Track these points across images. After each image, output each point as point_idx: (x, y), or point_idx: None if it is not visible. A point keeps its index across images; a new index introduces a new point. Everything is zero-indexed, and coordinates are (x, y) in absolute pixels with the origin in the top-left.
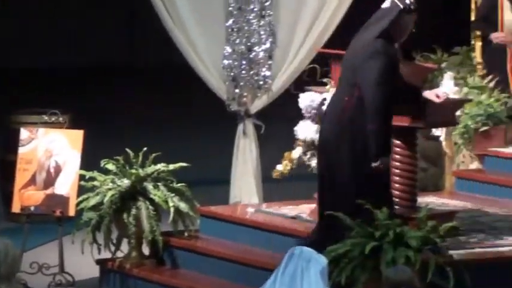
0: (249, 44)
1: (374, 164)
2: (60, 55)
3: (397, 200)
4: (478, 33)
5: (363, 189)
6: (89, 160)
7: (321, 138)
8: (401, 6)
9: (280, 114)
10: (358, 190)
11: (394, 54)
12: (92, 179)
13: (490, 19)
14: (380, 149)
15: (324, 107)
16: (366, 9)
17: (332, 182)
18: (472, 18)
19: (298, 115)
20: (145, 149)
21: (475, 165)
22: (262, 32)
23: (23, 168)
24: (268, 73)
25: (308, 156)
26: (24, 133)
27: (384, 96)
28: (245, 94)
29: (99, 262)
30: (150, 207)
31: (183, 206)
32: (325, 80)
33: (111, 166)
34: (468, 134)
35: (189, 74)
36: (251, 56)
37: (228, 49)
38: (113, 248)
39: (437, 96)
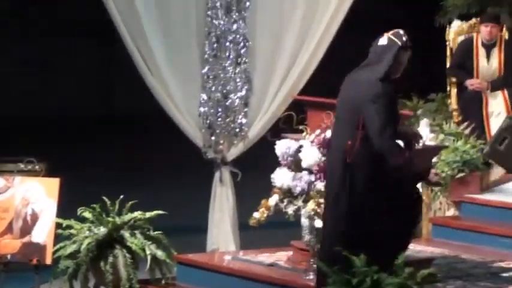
0: (224, 91)
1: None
2: (37, 103)
3: None
4: (454, 79)
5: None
6: (66, 208)
7: (326, 185)
8: (400, 43)
9: (257, 162)
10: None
11: (392, 92)
12: (69, 227)
13: (465, 66)
14: (418, 177)
15: (303, 155)
16: (340, 57)
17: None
18: (448, 65)
19: (274, 162)
20: (122, 196)
21: (451, 212)
22: (238, 80)
23: (0, 217)
24: (244, 120)
25: (285, 203)
26: (0, 181)
27: (392, 136)
28: (221, 141)
29: None
30: (127, 255)
31: (160, 253)
32: (301, 127)
33: (87, 214)
34: (444, 180)
35: (165, 122)
36: (227, 103)
37: (204, 96)
38: None
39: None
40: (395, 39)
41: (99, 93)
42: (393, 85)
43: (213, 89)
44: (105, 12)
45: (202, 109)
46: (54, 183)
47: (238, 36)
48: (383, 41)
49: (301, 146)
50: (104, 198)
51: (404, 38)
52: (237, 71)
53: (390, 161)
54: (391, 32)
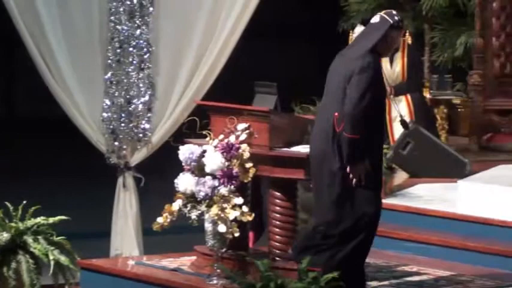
0: (128, 96)
1: (348, 171)
2: None
3: (277, 251)
4: None
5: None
6: None
7: (310, 155)
8: (391, 21)
9: (160, 167)
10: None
11: (378, 65)
12: None
13: None
14: (350, 158)
15: (207, 160)
16: (245, 62)
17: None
18: None
19: (178, 167)
20: (24, 202)
21: None
22: (141, 85)
23: None
24: (147, 125)
25: (188, 208)
26: None
27: (364, 110)
28: (125, 147)
29: None
30: (30, 260)
31: (63, 259)
32: (204, 132)
33: None
34: None
35: (68, 126)
36: (130, 108)
37: (107, 102)
38: None
39: None
40: (387, 18)
41: (2, 96)
42: (380, 62)
43: (116, 94)
44: (5, 13)
45: (105, 114)
46: None
47: (141, 41)
48: (375, 19)
49: (204, 151)
50: (7, 203)
51: (396, 18)
52: (140, 76)
53: (348, 130)
54: (384, 11)
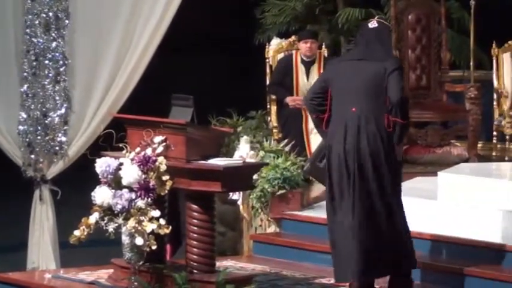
0: (44, 109)
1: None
2: None
3: (195, 264)
4: (274, 97)
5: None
6: None
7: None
8: (389, 25)
9: (77, 180)
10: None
11: None
12: None
13: (285, 83)
14: (400, 139)
15: (123, 172)
16: (161, 74)
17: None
18: (267, 82)
19: (95, 180)
20: None
21: (272, 228)
22: (57, 98)
23: None
24: (64, 138)
25: (105, 221)
26: None
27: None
28: (41, 160)
29: None
30: None
31: None
32: (121, 145)
33: None
34: (265, 197)
35: None
36: (46, 121)
37: (23, 115)
38: None
39: None
40: (385, 22)
41: None
42: None
43: (32, 107)
44: None
45: (21, 127)
46: None
47: (57, 54)
48: (373, 24)
49: (121, 164)
50: None
51: (389, 22)
52: (56, 89)
53: (401, 115)
54: (377, 17)
